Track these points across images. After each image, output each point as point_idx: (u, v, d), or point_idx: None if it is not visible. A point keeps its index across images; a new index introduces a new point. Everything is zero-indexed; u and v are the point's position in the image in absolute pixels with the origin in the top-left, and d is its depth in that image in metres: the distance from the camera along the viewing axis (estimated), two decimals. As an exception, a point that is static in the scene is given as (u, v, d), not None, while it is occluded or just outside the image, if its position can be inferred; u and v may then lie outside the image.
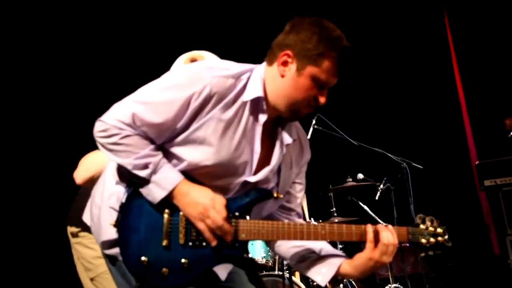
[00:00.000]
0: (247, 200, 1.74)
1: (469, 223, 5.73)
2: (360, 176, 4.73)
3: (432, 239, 1.75)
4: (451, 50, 6.41)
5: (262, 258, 4.10)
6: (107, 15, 5.36)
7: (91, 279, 2.89)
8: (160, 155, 1.69)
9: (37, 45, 5.09)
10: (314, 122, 4.39)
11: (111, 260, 1.80)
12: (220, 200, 1.69)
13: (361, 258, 1.75)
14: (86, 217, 1.94)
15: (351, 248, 4.83)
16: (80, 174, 2.78)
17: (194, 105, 1.64)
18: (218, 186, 1.73)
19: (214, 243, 1.67)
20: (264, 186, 1.80)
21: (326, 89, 1.73)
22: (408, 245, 5.29)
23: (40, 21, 5.08)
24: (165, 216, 1.70)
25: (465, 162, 6.11)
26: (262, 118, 1.73)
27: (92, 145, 1.92)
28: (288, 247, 1.92)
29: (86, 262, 2.88)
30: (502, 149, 5.28)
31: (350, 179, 4.70)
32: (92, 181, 2.51)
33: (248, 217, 1.73)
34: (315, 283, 4.05)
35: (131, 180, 1.73)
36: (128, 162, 1.66)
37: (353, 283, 4.37)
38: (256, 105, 1.73)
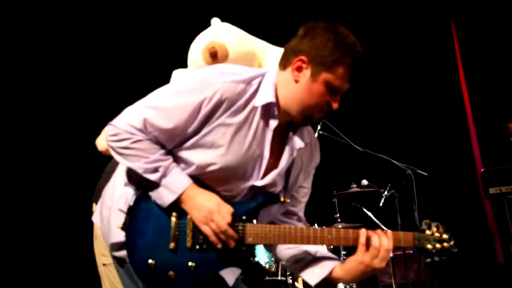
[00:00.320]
0: (254, 204, 1.75)
1: (474, 231, 5.71)
2: (365, 182, 4.73)
3: (438, 245, 1.73)
4: (458, 58, 6.42)
5: (265, 264, 4.11)
6: (117, 17, 5.40)
7: (104, 265, 2.85)
8: (170, 159, 1.70)
9: (47, 46, 5.15)
10: (319, 128, 4.38)
11: (119, 262, 1.80)
12: (226, 206, 1.69)
13: (352, 262, 1.74)
14: (96, 219, 1.94)
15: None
16: (101, 142, 2.73)
17: (205, 110, 1.65)
18: (226, 190, 1.74)
19: (219, 246, 1.68)
20: (271, 190, 1.80)
21: (339, 94, 1.73)
22: (411, 252, 5.28)
23: (50, 23, 5.13)
24: (173, 219, 1.71)
25: (470, 170, 6.10)
26: (273, 123, 1.74)
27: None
28: (284, 248, 1.93)
29: (102, 247, 2.83)
30: (508, 157, 5.27)
31: (355, 185, 4.70)
32: None
33: (255, 221, 1.74)
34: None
35: (139, 183, 1.74)
36: (139, 166, 1.67)
37: (356, 289, 4.36)
38: (267, 110, 1.73)
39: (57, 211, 4.95)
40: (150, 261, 1.67)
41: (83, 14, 5.26)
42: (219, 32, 2.03)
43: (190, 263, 1.68)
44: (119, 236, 1.73)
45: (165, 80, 2.45)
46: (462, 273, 5.58)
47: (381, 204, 4.75)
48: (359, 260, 1.72)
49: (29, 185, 4.94)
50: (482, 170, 5.33)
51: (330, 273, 1.81)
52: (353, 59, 1.68)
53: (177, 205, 1.70)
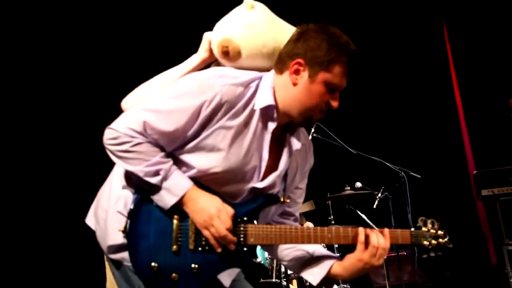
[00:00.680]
0: (255, 205, 1.77)
1: (467, 232, 5.74)
2: (358, 184, 4.75)
3: (433, 241, 1.79)
4: (450, 60, 6.47)
5: (260, 265, 4.11)
6: (118, 17, 5.39)
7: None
8: (170, 162, 1.71)
9: (49, 46, 5.13)
10: (313, 130, 4.40)
11: (115, 264, 1.79)
12: (226, 210, 1.70)
13: (351, 259, 1.78)
14: (89, 221, 1.92)
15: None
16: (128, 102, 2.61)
17: (205, 113, 1.67)
18: (227, 192, 1.75)
19: (219, 250, 1.69)
20: (271, 191, 1.82)
21: (338, 92, 1.76)
22: (405, 253, 5.31)
23: (51, 23, 5.12)
24: (175, 221, 1.71)
25: (463, 172, 6.14)
26: (271, 126, 1.76)
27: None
28: (282, 248, 1.95)
29: None
30: (500, 159, 5.32)
31: (348, 188, 4.72)
32: None
33: (256, 222, 1.75)
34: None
35: (139, 186, 1.74)
36: (139, 169, 1.67)
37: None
38: (266, 113, 1.75)
39: (57, 211, 4.92)
40: (153, 264, 1.67)
41: (85, 14, 5.24)
42: (241, 25, 1.83)
43: (193, 265, 1.69)
44: (117, 238, 1.73)
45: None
46: (455, 274, 5.62)
47: (374, 206, 4.78)
48: (357, 257, 1.76)
49: (29, 185, 4.91)
50: (474, 172, 5.37)
51: (329, 270, 1.84)
52: (349, 57, 1.72)
53: (178, 208, 1.71)
